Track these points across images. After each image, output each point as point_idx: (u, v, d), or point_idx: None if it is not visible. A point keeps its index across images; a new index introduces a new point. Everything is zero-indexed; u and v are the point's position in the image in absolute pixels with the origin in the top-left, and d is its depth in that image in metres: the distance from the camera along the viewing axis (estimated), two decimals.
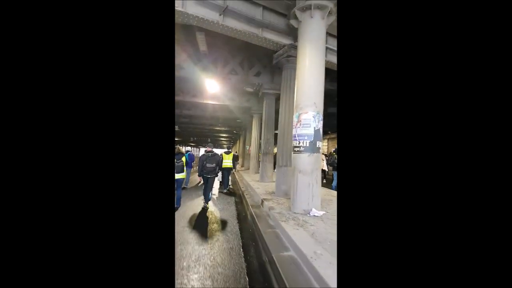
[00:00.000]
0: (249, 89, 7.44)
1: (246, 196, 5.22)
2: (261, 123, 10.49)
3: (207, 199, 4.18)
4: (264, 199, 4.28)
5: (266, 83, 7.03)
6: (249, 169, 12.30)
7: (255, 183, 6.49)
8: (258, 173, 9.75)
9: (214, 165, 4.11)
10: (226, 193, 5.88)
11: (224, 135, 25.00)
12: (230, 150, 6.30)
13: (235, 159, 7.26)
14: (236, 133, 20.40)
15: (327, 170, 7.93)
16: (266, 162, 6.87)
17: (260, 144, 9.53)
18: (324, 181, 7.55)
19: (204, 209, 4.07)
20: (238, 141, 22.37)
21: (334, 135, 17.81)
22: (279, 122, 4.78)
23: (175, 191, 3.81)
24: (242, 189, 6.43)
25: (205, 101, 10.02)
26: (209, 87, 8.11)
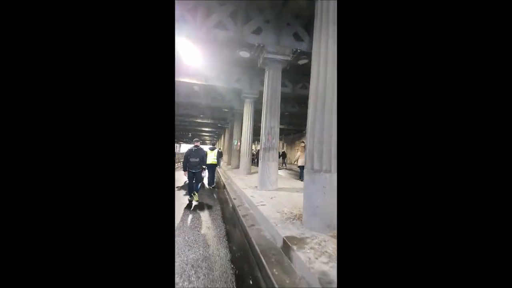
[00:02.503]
0: (245, 53, 5.16)
1: (244, 222, 2.98)
2: (253, 109, 8.30)
3: (196, 189, 4.19)
4: (289, 238, 2.10)
5: (269, 44, 4.79)
6: (238, 168, 10.03)
7: (253, 192, 4.28)
8: (252, 173, 7.69)
9: (197, 159, 4.13)
10: (212, 188, 5.95)
11: (206, 129, 22.31)
12: (215, 146, 6.27)
13: (219, 155, 6.65)
14: (221, 127, 17.90)
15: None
16: (270, 161, 4.67)
17: (253, 137, 7.49)
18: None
19: (191, 203, 4.06)
20: (222, 136, 19.91)
21: None
22: (310, 94, 2.59)
23: None
24: (234, 201, 4.17)
25: (181, 79, 7.51)
26: (184, 52, 5.69)
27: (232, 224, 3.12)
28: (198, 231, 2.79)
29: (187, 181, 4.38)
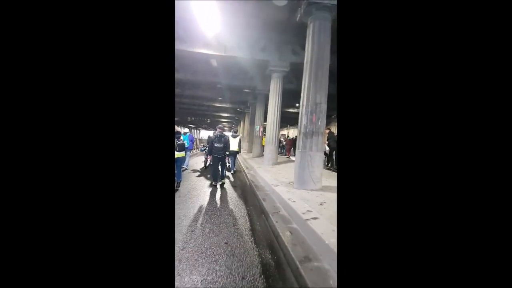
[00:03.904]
0: (281, 1, 3.76)
1: (290, 250, 1.81)
2: (281, 86, 6.85)
3: (222, 176, 4.48)
4: None
5: None
6: (260, 156, 8.90)
7: (290, 192, 3.10)
8: (278, 163, 6.37)
9: (222, 145, 4.24)
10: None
11: (225, 114, 21.36)
12: (237, 133, 5.99)
13: (240, 142, 6.04)
14: (241, 112, 16.76)
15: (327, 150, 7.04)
16: (313, 151, 3.39)
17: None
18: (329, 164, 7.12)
19: (219, 186, 4.27)
20: (242, 122, 18.83)
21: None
22: None
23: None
24: (264, 203, 3.03)
25: (196, 50, 6.34)
26: (198, 12, 4.49)
27: (269, 249, 1.98)
28: (214, 265, 1.69)
29: (209, 164, 4.65)
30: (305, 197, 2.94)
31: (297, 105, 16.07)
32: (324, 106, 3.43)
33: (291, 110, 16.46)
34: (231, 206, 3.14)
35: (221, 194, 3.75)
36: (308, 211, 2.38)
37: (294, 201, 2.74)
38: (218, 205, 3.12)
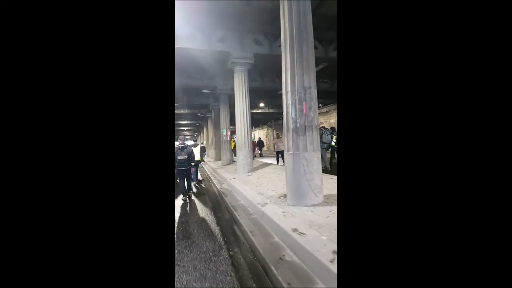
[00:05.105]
0: None
1: None
2: (247, 80, 5.88)
3: (189, 188, 4.17)
4: None
5: None
6: (231, 163, 7.77)
7: (288, 214, 2.15)
8: (255, 170, 5.27)
9: (186, 157, 4.01)
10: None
11: (184, 122, 19.44)
12: (196, 142, 5.85)
13: (202, 150, 5.90)
14: (202, 117, 15.27)
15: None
16: (308, 151, 2.52)
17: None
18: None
19: (186, 202, 3.86)
20: (205, 129, 17.31)
21: (325, 109, 14.50)
22: None
23: None
24: (253, 238, 2.00)
25: None
26: None
27: None
28: None
29: (177, 181, 4.08)
30: (313, 221, 2.02)
31: (261, 105, 15.44)
32: (314, 91, 2.60)
33: (255, 110, 15.75)
34: (203, 251, 2.01)
35: (186, 228, 2.56)
36: (335, 251, 1.46)
37: (303, 233, 1.79)
38: (183, 256, 1.95)
